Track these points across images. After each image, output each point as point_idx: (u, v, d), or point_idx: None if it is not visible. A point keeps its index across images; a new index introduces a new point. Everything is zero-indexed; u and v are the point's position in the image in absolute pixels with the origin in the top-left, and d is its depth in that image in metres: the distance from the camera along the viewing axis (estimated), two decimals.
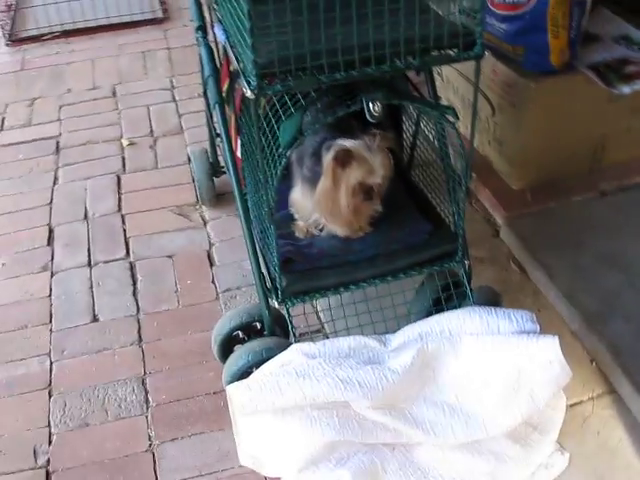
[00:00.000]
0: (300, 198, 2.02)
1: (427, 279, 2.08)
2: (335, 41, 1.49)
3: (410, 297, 2.08)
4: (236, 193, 1.99)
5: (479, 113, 2.80)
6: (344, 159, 1.81)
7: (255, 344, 1.98)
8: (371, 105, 1.62)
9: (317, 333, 2.24)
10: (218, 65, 2.15)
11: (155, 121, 3.47)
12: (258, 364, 1.93)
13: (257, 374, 1.86)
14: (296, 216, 2.07)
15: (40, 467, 2.00)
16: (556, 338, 1.80)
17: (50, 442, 2.06)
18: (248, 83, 1.53)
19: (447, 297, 2.04)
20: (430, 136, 2.13)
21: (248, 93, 1.53)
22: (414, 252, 2.01)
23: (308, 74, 1.53)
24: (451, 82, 3.00)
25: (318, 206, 1.94)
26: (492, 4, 2.51)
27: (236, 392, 1.77)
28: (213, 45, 2.12)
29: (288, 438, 1.80)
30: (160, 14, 4.43)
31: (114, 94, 3.70)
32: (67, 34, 4.24)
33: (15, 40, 4.23)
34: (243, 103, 2.04)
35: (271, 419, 1.78)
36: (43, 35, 4.23)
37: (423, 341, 1.86)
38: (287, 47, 1.47)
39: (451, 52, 1.63)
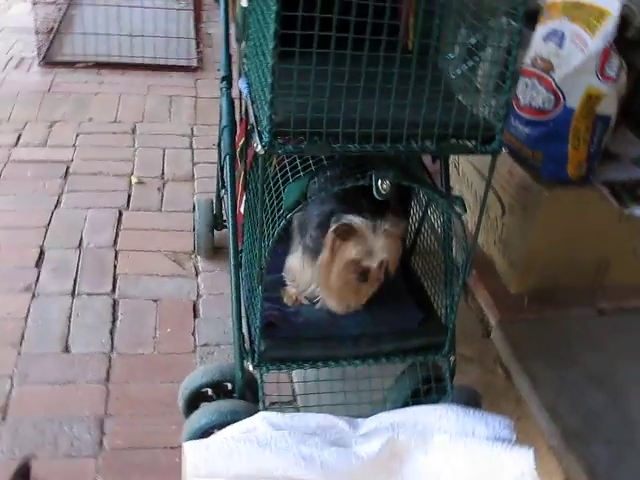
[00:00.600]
0: (298, 266, 1.98)
1: (409, 369, 2.02)
2: (354, 112, 1.48)
3: (389, 384, 2.01)
4: (231, 247, 1.95)
5: (489, 212, 2.79)
6: (344, 233, 1.79)
7: (222, 404, 1.91)
8: (380, 182, 1.59)
9: (288, 405, 2.17)
10: (237, 120, 2.15)
11: (168, 164, 3.47)
12: (221, 426, 1.85)
13: (217, 436, 1.78)
14: (288, 282, 2.03)
15: None
16: (531, 451, 1.72)
17: None
18: (260, 138, 1.51)
19: (426, 390, 1.97)
20: (436, 225, 2.10)
21: (259, 148, 1.51)
22: (401, 338, 1.96)
23: (322, 140, 1.51)
24: (466, 176, 3.00)
25: (318, 277, 1.90)
26: (518, 107, 2.53)
27: (192, 450, 1.69)
28: (236, 101, 2.12)
29: None
30: (195, 63, 4.49)
31: (134, 131, 3.72)
32: (100, 66, 4.31)
33: (48, 62, 4.29)
34: (254, 159, 2.02)
35: None
36: (76, 62, 4.29)
37: (394, 431, 1.79)
38: (305, 109, 1.46)
39: (469, 143, 1.61)
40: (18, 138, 3.55)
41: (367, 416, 1.89)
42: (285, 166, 1.78)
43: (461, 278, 1.86)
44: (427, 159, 2.02)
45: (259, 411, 1.84)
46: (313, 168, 1.69)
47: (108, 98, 4.02)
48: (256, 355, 1.88)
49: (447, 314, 1.97)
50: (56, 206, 3.08)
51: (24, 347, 2.36)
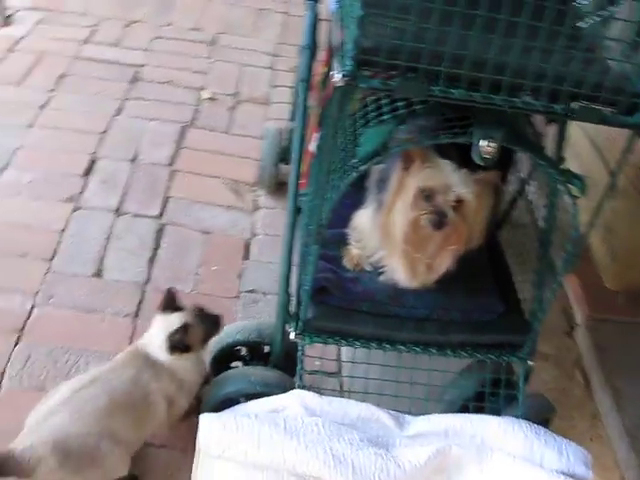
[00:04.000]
0: (367, 225, 1.67)
1: (476, 366, 1.71)
2: (465, 48, 1.14)
3: (449, 380, 1.71)
4: (291, 189, 1.65)
5: (591, 188, 2.40)
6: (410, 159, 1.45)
7: (253, 372, 1.67)
8: (482, 143, 1.25)
9: (329, 376, 1.88)
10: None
11: (244, 83, 3.17)
12: (249, 396, 1.61)
13: (240, 410, 1.53)
14: (352, 242, 1.73)
15: None
16: None
17: None
18: (341, 65, 1.19)
19: (491, 394, 1.67)
20: (535, 199, 1.76)
21: (337, 77, 1.19)
22: (474, 330, 1.66)
23: (419, 78, 1.18)
24: (573, 144, 2.59)
25: (378, 228, 1.58)
26: None
27: (207, 426, 1.44)
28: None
29: None
30: None
31: (213, 42, 3.42)
32: None
33: None
34: (334, 92, 1.70)
35: (238, 471, 1.44)
36: None
37: (447, 440, 1.51)
38: (402, 36, 1.13)
39: (605, 110, 1.25)
40: (90, 35, 3.28)
41: (418, 414, 1.61)
42: (367, 105, 1.45)
43: (560, 273, 1.52)
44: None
45: (294, 386, 1.59)
46: (401, 112, 1.35)
47: (192, 3, 3.71)
48: (300, 322, 1.60)
49: (534, 310, 1.65)
50: (117, 113, 2.83)
51: (54, 264, 2.15)
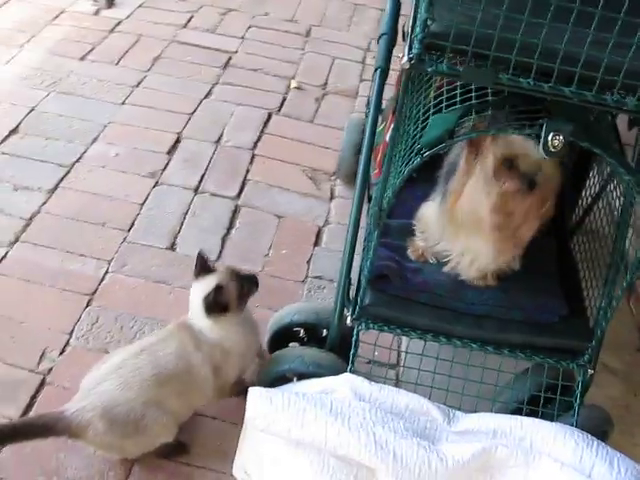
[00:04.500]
0: (433, 216, 1.66)
1: (534, 369, 1.67)
2: (536, 37, 1.12)
3: (504, 381, 1.67)
4: (360, 175, 1.65)
5: None
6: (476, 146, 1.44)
7: (307, 353, 1.68)
8: (551, 137, 1.23)
9: (385, 367, 1.87)
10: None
11: (334, 75, 3.18)
12: (301, 375, 1.63)
13: (289, 388, 1.55)
14: (417, 233, 1.72)
15: (39, 372, 1.81)
16: None
17: (62, 352, 1.87)
18: (409, 49, 1.19)
19: (546, 400, 1.62)
20: (614, 204, 1.71)
21: (404, 60, 1.19)
22: (534, 331, 1.62)
23: (487, 66, 1.17)
24: None
25: (444, 215, 1.57)
26: None
27: (255, 400, 1.46)
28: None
29: (291, 474, 1.48)
30: None
31: (308, 34, 3.45)
32: None
33: None
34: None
35: (281, 446, 1.46)
36: None
37: (495, 440, 1.48)
38: (473, 21, 1.12)
39: None
40: (188, 20, 3.38)
41: (468, 411, 1.58)
42: (443, 94, 1.44)
43: (627, 279, 1.47)
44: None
45: (346, 371, 1.60)
46: (473, 102, 1.33)
47: None
48: (357, 307, 1.61)
49: (598, 317, 1.60)
50: (207, 95, 2.90)
51: (131, 234, 2.22)
